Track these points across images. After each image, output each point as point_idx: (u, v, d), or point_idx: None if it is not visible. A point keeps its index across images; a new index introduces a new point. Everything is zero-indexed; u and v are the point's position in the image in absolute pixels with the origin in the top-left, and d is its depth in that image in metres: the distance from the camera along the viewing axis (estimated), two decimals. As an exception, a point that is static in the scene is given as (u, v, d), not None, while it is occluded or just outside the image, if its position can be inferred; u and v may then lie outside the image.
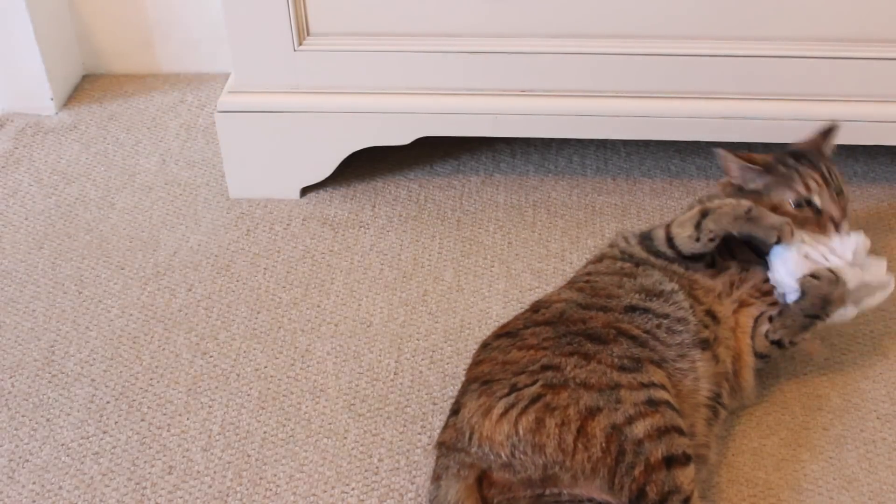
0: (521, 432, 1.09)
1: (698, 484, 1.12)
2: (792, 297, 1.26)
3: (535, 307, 1.27)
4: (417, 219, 1.63)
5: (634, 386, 1.12)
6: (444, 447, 1.15)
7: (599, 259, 1.34)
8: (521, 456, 1.09)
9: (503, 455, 1.09)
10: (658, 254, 1.30)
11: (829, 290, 1.24)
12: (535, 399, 1.10)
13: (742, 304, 1.29)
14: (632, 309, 1.22)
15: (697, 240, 1.26)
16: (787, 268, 1.25)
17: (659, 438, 1.08)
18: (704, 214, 1.27)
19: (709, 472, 1.22)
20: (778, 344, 1.27)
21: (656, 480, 1.07)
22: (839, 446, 1.26)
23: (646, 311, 1.22)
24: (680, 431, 1.11)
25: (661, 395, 1.12)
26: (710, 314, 1.26)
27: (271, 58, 1.54)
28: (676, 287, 1.25)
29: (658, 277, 1.26)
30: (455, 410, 1.17)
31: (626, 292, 1.25)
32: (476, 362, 1.22)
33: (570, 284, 1.31)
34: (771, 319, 1.27)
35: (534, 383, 1.12)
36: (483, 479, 1.11)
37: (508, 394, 1.12)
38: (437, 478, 1.14)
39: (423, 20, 1.52)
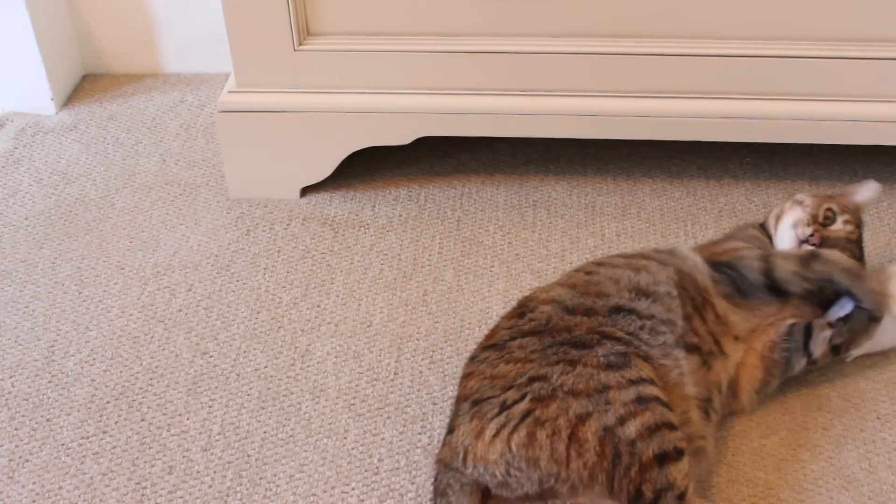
0: (514, 449, 1.08)
1: (695, 479, 1.12)
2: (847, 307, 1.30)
3: (522, 309, 1.27)
4: (417, 219, 1.63)
5: (623, 384, 1.12)
6: (442, 465, 1.15)
7: (635, 255, 1.35)
8: (517, 473, 1.08)
9: (498, 474, 1.09)
10: (738, 279, 1.31)
11: (882, 287, 1.30)
12: (525, 415, 1.10)
13: (752, 343, 1.30)
14: (617, 310, 1.22)
15: (805, 279, 1.29)
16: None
17: (650, 436, 1.08)
18: (814, 257, 1.30)
19: (708, 473, 1.22)
20: (836, 350, 1.30)
21: (650, 479, 1.07)
22: (839, 446, 1.26)
23: (630, 311, 1.22)
24: (670, 426, 1.10)
25: (650, 390, 1.12)
26: (713, 336, 1.26)
27: (271, 58, 1.54)
28: (674, 292, 1.25)
29: (661, 278, 1.27)
30: (450, 429, 1.16)
31: (618, 290, 1.25)
32: (465, 375, 1.21)
33: (570, 276, 1.32)
34: (831, 325, 1.29)
35: (523, 398, 1.12)
36: (486, 493, 1.11)
37: (499, 413, 1.11)
38: (442, 493, 1.13)
39: (424, 20, 1.52)
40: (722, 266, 1.32)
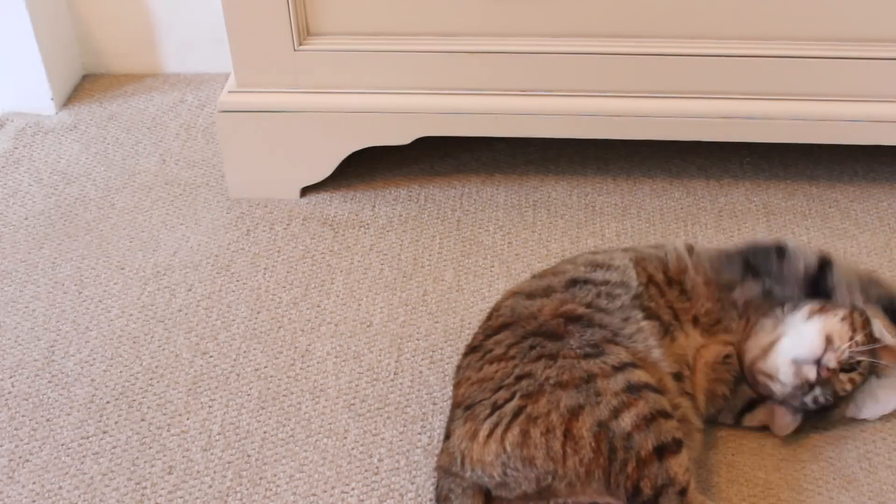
0: (508, 449, 1.08)
1: (693, 469, 1.11)
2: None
3: (490, 314, 1.27)
4: (417, 219, 1.63)
5: (608, 372, 1.11)
6: (442, 471, 1.15)
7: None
8: (514, 472, 1.08)
9: (496, 475, 1.09)
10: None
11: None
12: (516, 413, 1.10)
13: (704, 348, 1.26)
14: (573, 283, 1.22)
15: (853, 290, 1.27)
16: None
17: (647, 428, 1.07)
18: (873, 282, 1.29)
19: (708, 472, 1.22)
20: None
21: (649, 474, 1.06)
22: (839, 446, 1.26)
23: (586, 281, 1.22)
24: (665, 415, 1.09)
25: (637, 376, 1.11)
26: (672, 310, 1.24)
27: (271, 58, 1.54)
28: (630, 265, 1.25)
29: (615, 255, 1.27)
30: (447, 435, 1.17)
31: (575, 266, 1.26)
32: (455, 384, 1.22)
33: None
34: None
35: (513, 396, 1.11)
36: (488, 495, 1.12)
37: (491, 413, 1.12)
38: (445, 499, 1.13)
39: (423, 20, 1.52)
40: (748, 252, 1.28)
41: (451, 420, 1.18)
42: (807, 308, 1.23)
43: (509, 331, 1.19)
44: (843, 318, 1.20)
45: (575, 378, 1.11)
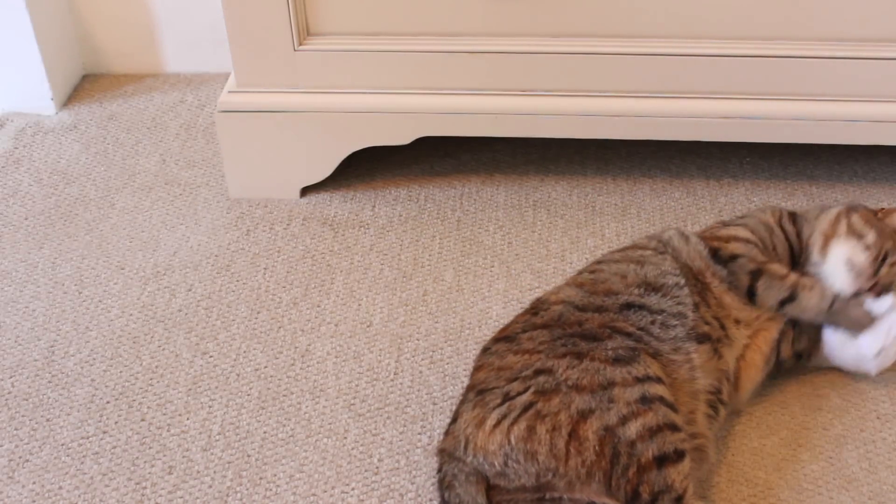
0: (513, 441, 1.09)
1: (695, 482, 1.12)
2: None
3: (535, 308, 1.27)
4: (417, 219, 1.63)
5: (629, 382, 1.12)
6: (445, 454, 1.15)
7: (629, 247, 1.35)
8: (514, 465, 1.09)
9: (497, 464, 1.09)
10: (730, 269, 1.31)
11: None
12: (526, 407, 1.10)
13: (754, 338, 1.30)
14: (628, 307, 1.22)
15: (782, 305, 1.29)
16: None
17: (651, 438, 1.08)
18: (802, 288, 1.29)
19: (709, 472, 1.22)
20: (798, 356, 1.32)
21: (648, 480, 1.07)
22: (839, 446, 1.26)
23: (641, 307, 1.22)
24: (672, 427, 1.10)
25: (655, 389, 1.12)
26: (719, 320, 1.26)
27: (271, 58, 1.54)
28: (682, 282, 1.25)
29: (667, 268, 1.27)
30: (454, 419, 1.17)
31: (627, 286, 1.25)
32: (476, 367, 1.22)
33: (575, 278, 1.32)
34: (792, 328, 1.30)
35: (526, 390, 1.12)
36: (488, 482, 1.12)
37: (501, 404, 1.12)
38: (448, 485, 1.13)
39: (424, 20, 1.52)
40: (721, 259, 1.31)
41: (462, 402, 1.18)
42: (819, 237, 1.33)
43: (548, 330, 1.20)
44: (847, 234, 1.31)
45: (593, 384, 1.11)
